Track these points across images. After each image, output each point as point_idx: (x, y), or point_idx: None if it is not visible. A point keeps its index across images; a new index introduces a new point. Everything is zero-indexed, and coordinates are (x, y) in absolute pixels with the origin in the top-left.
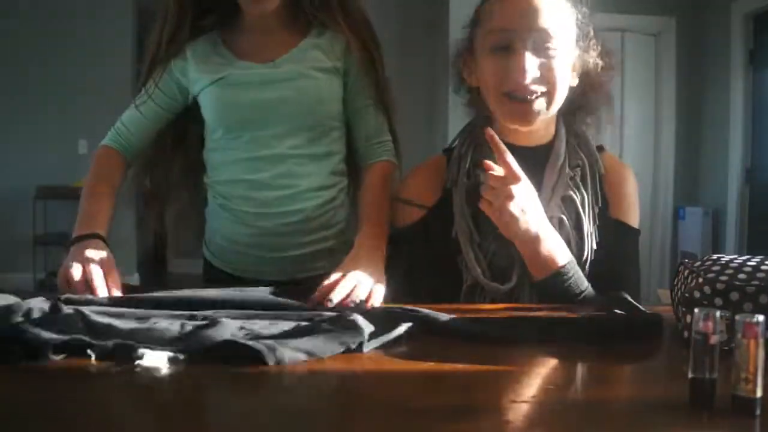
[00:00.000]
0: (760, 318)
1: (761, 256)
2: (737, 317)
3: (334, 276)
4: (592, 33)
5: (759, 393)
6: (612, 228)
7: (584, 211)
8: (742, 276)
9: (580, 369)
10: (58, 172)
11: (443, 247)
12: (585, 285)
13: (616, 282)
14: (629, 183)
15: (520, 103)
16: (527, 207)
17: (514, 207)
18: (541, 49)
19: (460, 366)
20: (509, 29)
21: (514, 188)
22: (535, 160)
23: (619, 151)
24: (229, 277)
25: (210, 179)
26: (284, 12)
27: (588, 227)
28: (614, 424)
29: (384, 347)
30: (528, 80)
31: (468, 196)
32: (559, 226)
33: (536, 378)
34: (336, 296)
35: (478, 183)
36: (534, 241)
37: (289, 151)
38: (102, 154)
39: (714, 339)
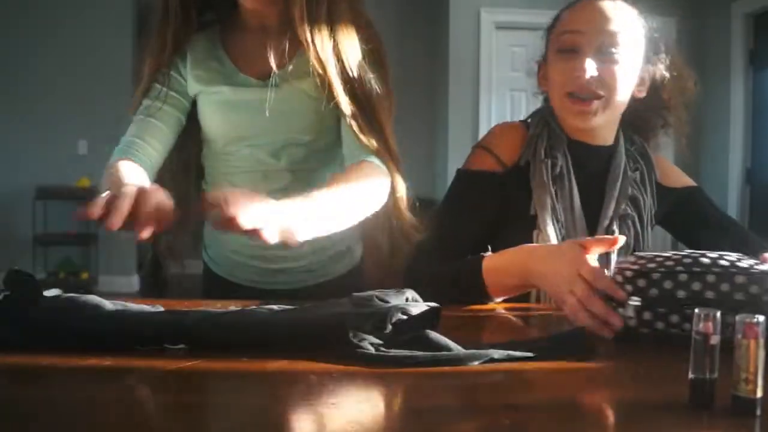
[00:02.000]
0: (761, 318)
1: (687, 251)
2: (737, 317)
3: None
4: (663, 48)
5: (759, 393)
6: (690, 195)
7: (645, 212)
8: (651, 265)
9: (579, 369)
10: (58, 172)
11: (516, 212)
12: None
13: (744, 231)
14: (671, 165)
15: (579, 102)
16: None
17: None
18: (606, 53)
19: (459, 366)
20: (576, 31)
21: None
22: (598, 159)
23: None
24: (228, 284)
25: (210, 188)
26: (284, 13)
27: (647, 228)
28: (614, 424)
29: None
30: (587, 77)
31: (547, 175)
32: (631, 224)
33: (536, 378)
34: (244, 219)
35: (555, 165)
36: None
37: (289, 166)
38: (119, 163)
39: (714, 339)
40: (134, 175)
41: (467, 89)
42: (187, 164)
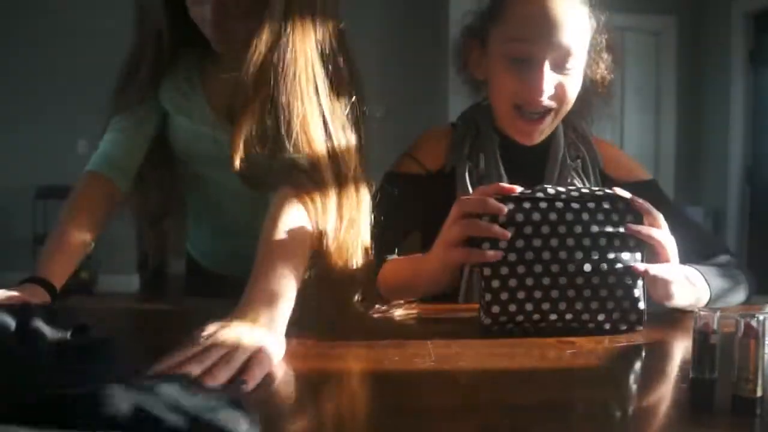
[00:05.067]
0: (761, 317)
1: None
2: (737, 317)
3: (205, 336)
4: (603, 43)
5: (759, 393)
6: (641, 190)
7: None
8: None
9: (579, 369)
10: (58, 172)
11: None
12: (712, 279)
13: (700, 230)
14: (621, 153)
15: (528, 120)
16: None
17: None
18: (560, 67)
19: (459, 366)
20: (531, 41)
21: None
22: (536, 155)
23: None
24: (213, 274)
25: (192, 197)
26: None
27: None
28: (614, 424)
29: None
30: (544, 98)
31: (470, 178)
32: None
33: (536, 378)
34: (195, 369)
35: (478, 167)
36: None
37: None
38: (87, 185)
39: (714, 339)
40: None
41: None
42: (167, 157)
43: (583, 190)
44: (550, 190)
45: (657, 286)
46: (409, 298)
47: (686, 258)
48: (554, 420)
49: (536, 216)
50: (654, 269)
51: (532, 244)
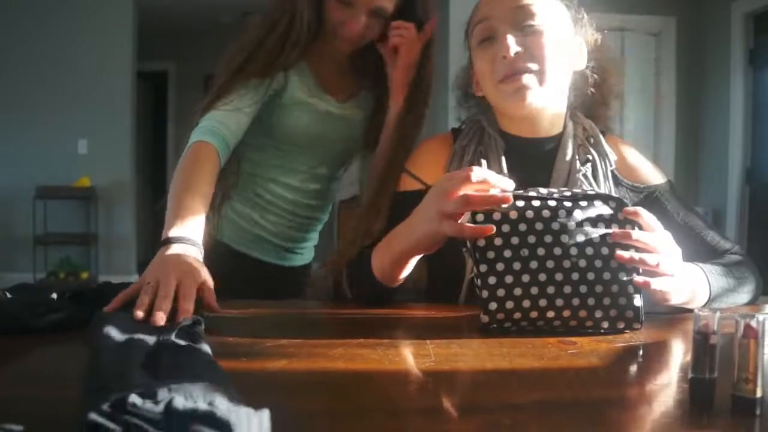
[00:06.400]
0: (760, 318)
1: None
2: (737, 317)
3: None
4: (585, 16)
5: (759, 393)
6: (648, 196)
7: None
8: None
9: (580, 369)
10: (58, 172)
11: None
12: (715, 281)
13: (717, 237)
14: (637, 156)
15: (511, 80)
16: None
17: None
18: (524, 27)
19: (459, 366)
20: (490, 16)
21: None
22: (542, 154)
23: None
24: (240, 255)
25: (256, 174)
26: (354, 58)
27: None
28: (614, 424)
29: (385, 346)
30: (512, 54)
31: None
32: None
33: (536, 378)
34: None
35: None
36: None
37: (326, 172)
38: (201, 152)
39: (714, 339)
40: (200, 198)
41: None
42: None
43: (576, 191)
44: (543, 191)
45: (656, 295)
46: (391, 274)
47: (697, 259)
48: (554, 420)
49: (530, 213)
50: (655, 283)
51: (527, 241)
